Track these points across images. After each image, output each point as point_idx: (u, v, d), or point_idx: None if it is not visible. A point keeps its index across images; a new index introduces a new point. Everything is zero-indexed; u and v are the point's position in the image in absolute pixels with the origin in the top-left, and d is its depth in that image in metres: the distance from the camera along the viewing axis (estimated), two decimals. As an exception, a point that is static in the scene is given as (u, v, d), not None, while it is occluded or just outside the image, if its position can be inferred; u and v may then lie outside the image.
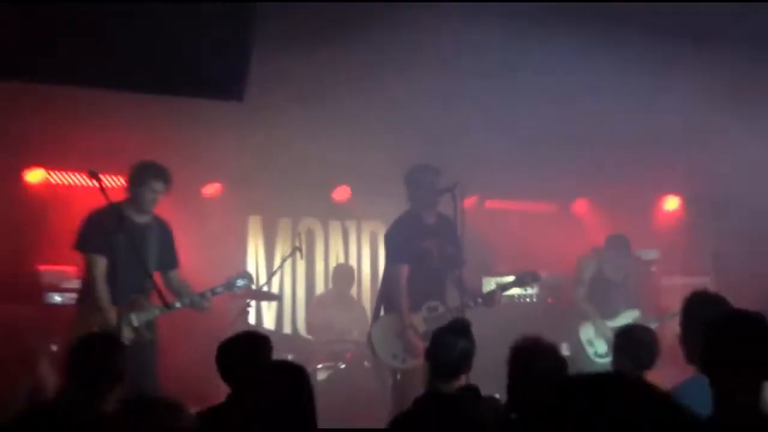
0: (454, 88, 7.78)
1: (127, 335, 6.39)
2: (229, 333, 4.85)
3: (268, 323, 9.71)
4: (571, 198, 10.66)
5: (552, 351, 4.31)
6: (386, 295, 7.36)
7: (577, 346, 8.04)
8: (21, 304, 7.50)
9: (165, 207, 8.44)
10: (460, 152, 7.86)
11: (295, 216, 10.22)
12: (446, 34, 7.13)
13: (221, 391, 4.49)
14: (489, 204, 10.05)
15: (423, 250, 7.24)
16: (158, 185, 6.80)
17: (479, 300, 7.17)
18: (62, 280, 7.89)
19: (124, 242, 6.61)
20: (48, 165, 8.58)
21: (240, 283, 7.19)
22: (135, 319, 6.54)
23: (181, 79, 6.88)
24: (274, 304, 9.90)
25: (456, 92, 7.77)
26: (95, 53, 6.50)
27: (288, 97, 7.58)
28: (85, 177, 6.91)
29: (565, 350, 7.54)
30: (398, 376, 7.02)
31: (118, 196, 6.78)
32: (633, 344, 5.01)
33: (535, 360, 4.20)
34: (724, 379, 3.00)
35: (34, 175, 8.65)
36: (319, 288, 10.28)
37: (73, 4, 6.27)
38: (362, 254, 10.58)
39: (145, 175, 6.80)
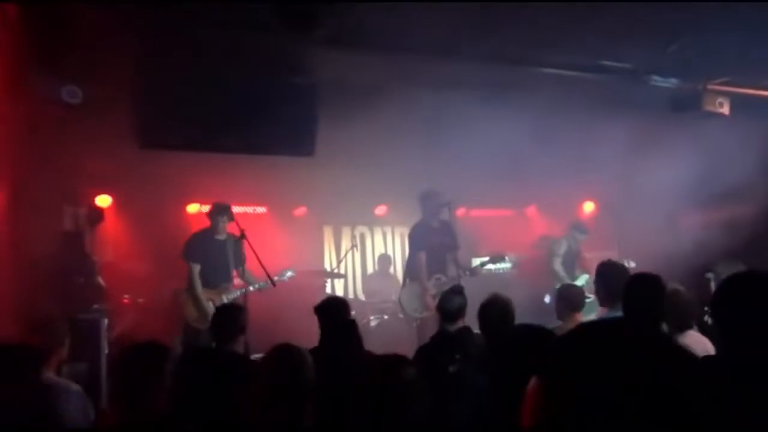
0: (446, 141, 7.84)
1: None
2: (315, 300, 4.64)
3: (339, 292, 9.77)
4: (525, 205, 10.64)
5: (504, 301, 4.36)
6: (410, 271, 7.41)
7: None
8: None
9: (270, 224, 8.94)
10: (453, 179, 7.77)
11: (352, 225, 10.37)
12: (434, 107, 7.29)
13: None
14: (473, 212, 10.07)
15: (431, 242, 7.33)
16: (224, 218, 6.85)
17: (467, 272, 7.24)
18: None
19: (212, 252, 6.82)
20: (201, 200, 8.65)
21: (288, 274, 7.22)
22: (225, 298, 6.68)
23: (272, 141, 7.16)
24: (342, 280, 10.03)
25: (447, 142, 7.83)
26: (219, 127, 6.84)
27: (343, 148, 7.59)
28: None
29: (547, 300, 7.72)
30: (418, 323, 7.13)
31: (243, 219, 6.76)
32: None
33: (491, 307, 4.32)
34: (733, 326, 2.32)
35: (192, 208, 8.84)
36: (369, 269, 10.43)
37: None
38: (396, 248, 10.71)
39: (215, 212, 6.91)
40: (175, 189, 8.11)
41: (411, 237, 7.55)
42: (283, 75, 6.79)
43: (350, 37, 6.02)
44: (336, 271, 9.50)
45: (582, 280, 7.92)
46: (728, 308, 2.39)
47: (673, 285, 4.05)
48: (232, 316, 4.39)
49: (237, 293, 6.73)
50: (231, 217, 6.80)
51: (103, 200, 8.24)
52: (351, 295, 10.04)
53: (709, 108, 7.48)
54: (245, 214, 8.31)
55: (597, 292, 4.70)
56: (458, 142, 7.75)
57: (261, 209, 9.19)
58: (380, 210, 10.28)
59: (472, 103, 7.14)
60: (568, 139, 7.84)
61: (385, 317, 8.39)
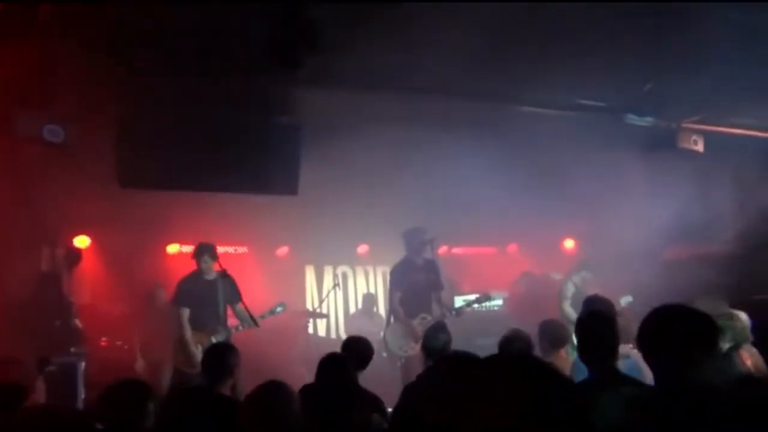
0: (428, 180, 7.97)
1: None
2: (299, 339, 4.71)
3: (321, 332, 9.78)
4: (506, 243, 10.70)
5: (526, 337, 4.37)
6: (390, 312, 7.36)
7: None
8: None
9: (252, 264, 8.94)
10: (435, 218, 7.80)
11: (334, 264, 10.37)
12: (415, 146, 7.30)
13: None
14: (454, 250, 10.12)
15: (415, 280, 7.27)
16: (208, 257, 6.76)
17: (452, 312, 7.17)
18: None
19: (201, 294, 6.70)
20: (181, 240, 8.64)
21: (278, 309, 7.11)
22: (213, 339, 6.50)
23: (254, 180, 7.19)
24: (324, 320, 9.98)
25: (428, 181, 7.96)
26: (201, 166, 6.83)
27: (325, 188, 7.63)
28: None
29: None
30: (403, 361, 7.04)
31: (225, 259, 6.80)
32: None
33: (513, 342, 4.31)
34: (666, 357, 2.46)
35: (172, 248, 8.77)
36: (351, 308, 10.37)
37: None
38: (378, 287, 10.65)
39: (199, 252, 6.83)
40: (155, 229, 8.10)
41: (391, 274, 7.51)
42: (266, 114, 6.86)
43: (332, 78, 6.10)
44: (318, 310, 9.46)
45: None
46: (647, 340, 2.55)
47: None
48: (220, 357, 4.34)
49: (226, 334, 6.64)
50: (215, 256, 6.75)
51: (82, 241, 8.19)
52: (333, 335, 10.02)
53: (684, 145, 7.66)
54: (226, 253, 8.28)
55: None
56: (440, 181, 7.91)
57: (242, 249, 9.20)
58: (362, 249, 10.31)
59: (453, 142, 7.24)
60: (547, 176, 7.94)
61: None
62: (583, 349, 3.40)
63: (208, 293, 6.68)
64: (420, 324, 7.09)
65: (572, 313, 7.81)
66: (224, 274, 6.52)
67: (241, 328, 6.68)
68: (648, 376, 3.77)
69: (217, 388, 4.18)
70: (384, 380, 7.13)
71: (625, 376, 3.25)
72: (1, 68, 5.24)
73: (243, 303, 6.67)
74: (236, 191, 7.44)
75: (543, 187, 7.85)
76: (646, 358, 2.60)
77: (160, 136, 6.55)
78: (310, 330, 9.05)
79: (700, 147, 7.70)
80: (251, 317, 6.37)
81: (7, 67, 5.26)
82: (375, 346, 7.78)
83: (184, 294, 6.75)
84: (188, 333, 6.63)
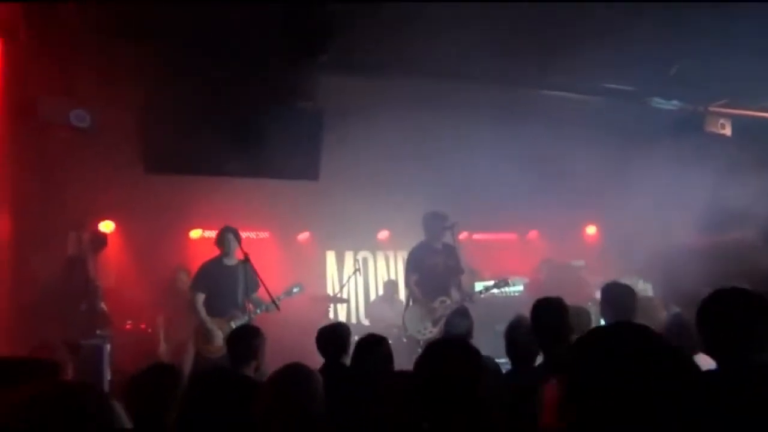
0: (449, 166, 8.01)
1: None
2: (319, 325, 4.73)
3: (341, 317, 9.79)
4: (526, 229, 10.63)
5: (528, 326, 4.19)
6: (408, 294, 7.37)
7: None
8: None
9: (273, 249, 9.00)
10: (456, 204, 7.76)
11: (355, 250, 10.39)
12: (437, 132, 7.37)
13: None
14: (475, 236, 10.07)
15: (433, 263, 7.23)
16: (231, 242, 6.78)
17: (468, 297, 7.12)
18: None
19: (221, 279, 6.74)
20: (204, 225, 8.68)
21: (295, 290, 7.14)
22: (233, 325, 6.42)
23: (277, 166, 7.28)
24: (344, 306, 10.05)
25: (450, 167, 7.98)
26: (224, 152, 6.88)
27: (347, 173, 7.69)
28: None
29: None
30: (422, 344, 6.85)
31: (246, 244, 6.81)
32: None
33: (518, 329, 4.24)
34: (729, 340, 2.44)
35: (195, 233, 8.84)
36: (372, 294, 10.39)
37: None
38: (399, 273, 10.51)
39: (222, 237, 6.86)
40: (178, 214, 8.17)
41: (409, 256, 7.49)
42: (289, 101, 6.90)
43: (355, 63, 6.16)
44: (339, 296, 9.49)
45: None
46: (708, 326, 2.53)
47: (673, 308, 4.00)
48: (244, 339, 4.40)
49: (245, 319, 6.64)
50: (238, 240, 6.79)
51: (107, 225, 8.29)
52: (354, 320, 10.05)
53: (711, 129, 7.60)
54: (248, 239, 8.25)
55: (603, 314, 4.65)
56: (461, 166, 7.92)
57: (264, 234, 9.22)
58: (383, 235, 10.33)
59: (474, 127, 7.30)
60: (569, 162, 7.89)
61: (390, 342, 8.28)
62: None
63: (228, 279, 6.72)
64: (440, 306, 7.12)
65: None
66: (246, 260, 6.53)
67: (258, 311, 6.71)
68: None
69: (241, 369, 4.22)
70: (404, 362, 7.30)
71: None
72: (27, 55, 5.33)
73: (261, 290, 6.67)
74: (258, 176, 7.51)
75: (565, 174, 7.85)
76: (708, 341, 2.57)
77: (184, 122, 6.62)
78: (331, 315, 9.04)
79: (727, 131, 7.65)
80: (272, 299, 6.38)
81: (34, 54, 5.35)
82: (395, 331, 8.14)
83: (203, 279, 6.83)
84: (203, 317, 6.70)
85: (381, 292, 10.11)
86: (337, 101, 6.81)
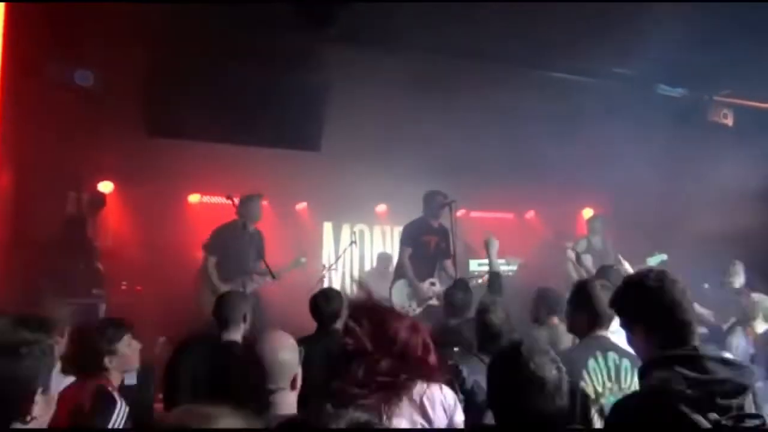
0: (450, 142, 7.98)
1: None
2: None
3: (336, 287, 9.11)
4: (524, 210, 10.72)
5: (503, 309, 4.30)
6: (398, 267, 7.46)
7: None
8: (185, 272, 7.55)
9: (270, 218, 8.81)
10: (455, 181, 7.82)
11: (352, 222, 10.50)
12: (439, 108, 7.36)
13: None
14: (472, 215, 10.13)
15: (426, 241, 7.38)
16: (256, 208, 7.04)
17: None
18: None
19: (235, 244, 6.87)
20: (202, 191, 8.81)
21: (302, 260, 7.37)
22: (247, 290, 6.61)
23: (279, 135, 7.34)
24: (339, 276, 10.09)
25: (451, 143, 7.98)
26: (227, 119, 7.01)
27: (348, 146, 7.73)
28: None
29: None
30: None
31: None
32: None
33: (489, 312, 4.24)
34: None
35: (194, 198, 8.94)
36: (367, 267, 10.57)
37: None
38: (394, 247, 10.16)
39: (246, 203, 7.01)
40: (177, 179, 8.23)
41: (404, 230, 7.54)
42: (294, 70, 6.98)
43: (362, 37, 6.25)
44: (334, 267, 9.63)
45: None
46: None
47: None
48: (232, 305, 4.45)
49: (255, 285, 6.81)
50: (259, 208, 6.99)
51: (106, 186, 8.42)
52: (348, 292, 9.77)
53: (714, 119, 7.75)
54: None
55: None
56: (461, 144, 7.97)
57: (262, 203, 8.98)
58: (381, 209, 10.47)
59: (477, 106, 7.39)
60: (571, 144, 7.93)
61: None
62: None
63: (243, 245, 6.87)
64: (428, 288, 7.20)
65: (575, 275, 7.83)
66: (259, 231, 6.75)
67: (268, 279, 6.85)
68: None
69: (229, 335, 4.27)
70: None
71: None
72: (32, 15, 5.40)
73: (264, 260, 6.88)
74: (261, 145, 7.58)
75: (566, 156, 7.91)
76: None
77: (188, 87, 6.71)
78: (325, 284, 8.87)
79: (729, 121, 7.79)
80: (268, 269, 6.55)
81: (39, 14, 5.43)
82: (386, 304, 8.17)
83: (215, 241, 6.97)
84: (215, 280, 6.84)
85: (374, 263, 10.25)
86: (343, 73, 6.87)
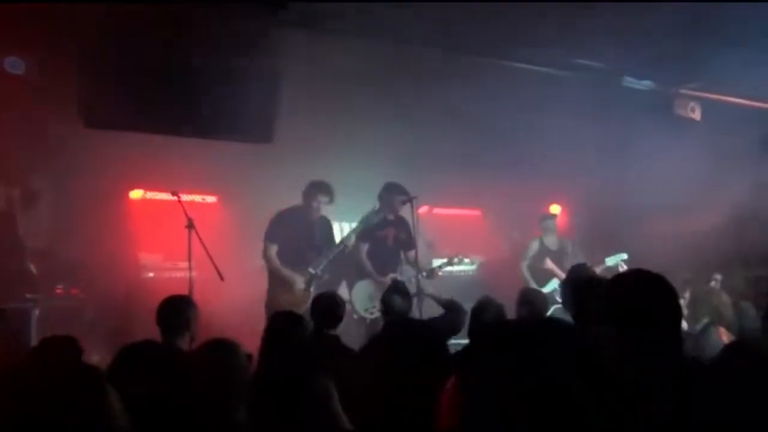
0: (414, 136, 8.02)
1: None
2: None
3: None
4: (489, 206, 10.42)
5: (498, 306, 4.43)
6: (357, 266, 7.34)
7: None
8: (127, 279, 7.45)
9: (221, 215, 8.64)
10: (416, 176, 7.74)
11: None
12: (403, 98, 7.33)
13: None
14: (435, 211, 9.97)
15: (383, 236, 7.29)
16: (323, 198, 6.99)
17: (424, 274, 7.10)
18: (154, 263, 7.99)
19: (300, 232, 6.91)
20: (145, 187, 8.53)
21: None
22: (312, 270, 6.79)
23: (227, 125, 7.14)
24: None
25: (414, 137, 8.00)
26: (171, 108, 6.81)
27: (304, 139, 7.68)
28: (169, 194, 6.84)
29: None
30: (367, 323, 7.04)
31: (191, 208, 6.64)
32: None
33: (485, 311, 4.34)
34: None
35: (136, 194, 8.61)
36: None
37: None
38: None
39: (312, 190, 6.99)
40: (117, 173, 7.97)
41: (357, 225, 7.41)
42: (244, 57, 6.83)
43: (317, 21, 6.19)
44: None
45: (551, 286, 8.02)
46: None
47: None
48: (177, 309, 4.38)
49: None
50: (331, 198, 7.02)
51: (38, 180, 8.08)
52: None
53: (681, 112, 7.88)
54: (193, 203, 8.06)
55: (563, 299, 4.78)
56: (423, 137, 7.99)
57: (211, 199, 9.04)
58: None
59: (439, 96, 7.34)
60: (537, 137, 8.05)
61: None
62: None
63: (306, 232, 6.99)
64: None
65: (529, 277, 8.12)
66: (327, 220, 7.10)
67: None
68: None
69: (173, 341, 4.22)
70: (352, 344, 7.31)
71: None
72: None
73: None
74: (208, 137, 7.41)
75: (531, 150, 7.99)
76: None
77: (127, 75, 6.51)
78: None
79: (697, 115, 7.93)
80: (217, 272, 6.27)
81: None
82: (348, 306, 7.86)
83: (275, 228, 7.04)
84: (280, 268, 6.91)
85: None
86: (298, 59, 6.78)
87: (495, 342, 1.56)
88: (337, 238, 8.69)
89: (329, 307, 4.68)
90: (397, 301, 4.87)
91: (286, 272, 6.88)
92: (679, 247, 7.39)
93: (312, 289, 6.75)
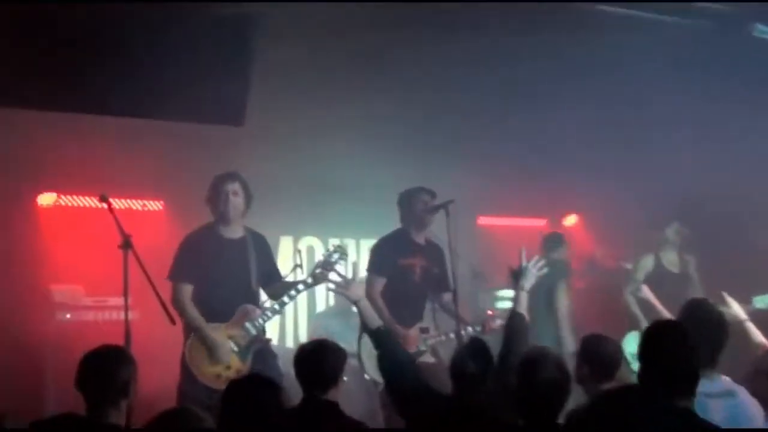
0: (439, 119, 7.81)
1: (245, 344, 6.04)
2: None
3: (270, 335, 8.49)
4: (563, 212, 10.14)
5: (557, 363, 4.07)
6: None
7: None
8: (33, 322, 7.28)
9: (168, 226, 8.08)
10: (446, 175, 7.42)
11: (295, 234, 9.60)
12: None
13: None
14: (481, 221, 9.71)
15: (407, 266, 6.78)
16: (232, 185, 6.08)
17: (476, 328, 6.56)
18: (73, 298, 7.55)
19: (218, 260, 6.14)
20: (60, 189, 8.31)
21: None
22: (251, 328, 5.95)
23: (180, 101, 6.81)
24: (276, 317, 8.67)
25: (440, 120, 7.80)
26: (104, 81, 6.39)
27: (280, 123, 7.48)
28: (95, 200, 6.30)
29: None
30: (382, 388, 6.27)
31: (127, 219, 6.03)
32: None
33: (539, 371, 3.93)
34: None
35: (47, 199, 8.42)
36: (319, 304, 9.74)
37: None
38: (361, 270, 9.62)
39: (219, 186, 6.13)
40: (22, 172, 7.78)
41: (372, 252, 7.10)
42: (206, 18, 6.45)
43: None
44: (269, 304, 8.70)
45: None
46: None
47: None
48: (108, 368, 4.09)
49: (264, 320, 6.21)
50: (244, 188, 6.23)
51: None
52: (290, 343, 9.39)
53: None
54: (131, 210, 7.99)
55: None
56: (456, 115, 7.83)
57: (156, 205, 8.76)
58: (337, 211, 9.60)
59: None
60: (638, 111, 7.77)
61: (344, 378, 7.60)
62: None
63: (229, 259, 6.20)
64: (419, 337, 6.63)
65: (637, 311, 7.55)
66: (259, 235, 6.44)
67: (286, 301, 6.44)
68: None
69: (104, 414, 3.96)
70: (357, 411, 6.92)
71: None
72: None
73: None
74: (162, 118, 7.24)
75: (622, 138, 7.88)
76: None
77: (32, 31, 6.15)
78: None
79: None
80: (164, 308, 5.41)
81: None
82: (352, 362, 7.14)
83: (187, 260, 6.16)
84: (196, 321, 5.99)
85: (333, 301, 9.49)
86: (278, 23, 6.49)
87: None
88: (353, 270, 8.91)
89: (316, 361, 4.45)
90: (471, 367, 4.46)
91: (206, 330, 6.06)
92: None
93: (250, 357, 6.05)
